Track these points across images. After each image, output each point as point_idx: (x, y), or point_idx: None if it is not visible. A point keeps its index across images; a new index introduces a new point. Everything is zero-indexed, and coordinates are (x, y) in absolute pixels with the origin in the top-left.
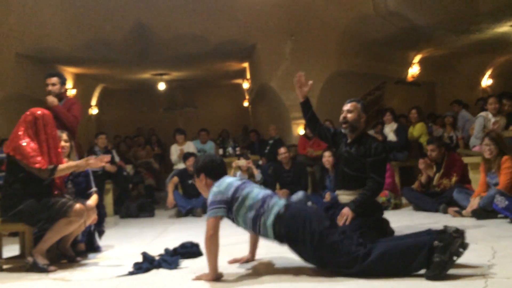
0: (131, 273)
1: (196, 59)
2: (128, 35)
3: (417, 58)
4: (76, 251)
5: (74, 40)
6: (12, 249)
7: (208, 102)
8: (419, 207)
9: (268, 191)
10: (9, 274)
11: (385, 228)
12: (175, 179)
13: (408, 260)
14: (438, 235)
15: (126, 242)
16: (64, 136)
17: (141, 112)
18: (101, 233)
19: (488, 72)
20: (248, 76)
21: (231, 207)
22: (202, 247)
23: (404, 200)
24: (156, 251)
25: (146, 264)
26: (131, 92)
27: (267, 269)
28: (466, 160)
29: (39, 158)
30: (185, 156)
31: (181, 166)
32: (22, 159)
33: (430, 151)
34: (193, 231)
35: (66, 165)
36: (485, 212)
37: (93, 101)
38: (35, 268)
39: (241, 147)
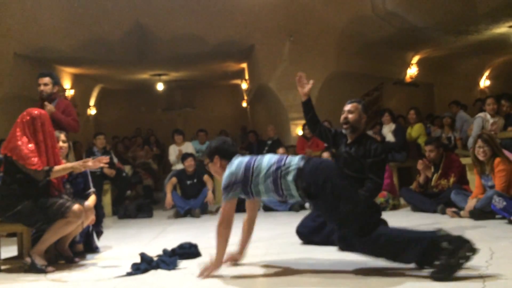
0: (129, 274)
1: (194, 60)
2: (127, 35)
3: (415, 59)
4: (74, 252)
5: (73, 40)
6: (10, 250)
7: (206, 102)
8: (417, 207)
9: (279, 155)
10: (7, 275)
11: None
12: (174, 179)
13: (403, 249)
14: (448, 236)
15: (124, 243)
16: (62, 136)
17: (139, 113)
18: (99, 233)
19: (486, 73)
20: (246, 76)
21: (246, 185)
22: (201, 248)
23: (402, 201)
24: (154, 252)
25: (144, 264)
26: (130, 93)
27: (266, 269)
28: (464, 161)
29: (35, 159)
30: (184, 157)
31: (179, 166)
32: (19, 160)
33: (428, 151)
34: (191, 232)
35: (62, 166)
36: (483, 213)
37: (92, 102)
38: (33, 268)
39: (239, 147)
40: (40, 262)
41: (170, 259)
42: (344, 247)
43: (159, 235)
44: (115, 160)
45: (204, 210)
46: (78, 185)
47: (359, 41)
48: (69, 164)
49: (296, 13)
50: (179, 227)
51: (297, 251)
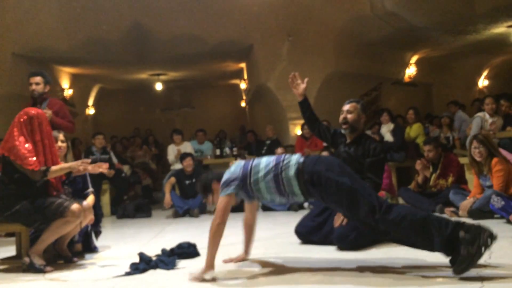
0: (128, 274)
1: (193, 60)
2: (125, 35)
3: (414, 58)
4: (72, 252)
5: (71, 40)
6: (8, 250)
7: (205, 102)
8: (416, 207)
9: (277, 155)
10: (6, 275)
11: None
12: (172, 179)
13: (427, 236)
14: (464, 225)
15: (123, 243)
16: (61, 136)
17: (138, 113)
18: (97, 233)
19: (485, 73)
20: (245, 76)
21: (246, 183)
22: (199, 248)
23: (401, 201)
24: (153, 252)
25: (143, 264)
26: (128, 93)
27: (264, 268)
28: (462, 160)
29: (32, 159)
30: (182, 157)
31: (178, 166)
32: (16, 160)
33: (427, 151)
34: (190, 231)
35: (60, 166)
36: (481, 213)
37: (90, 101)
38: (31, 268)
39: (238, 147)
40: (38, 262)
41: (168, 259)
42: (343, 246)
43: (157, 235)
44: (115, 160)
45: (202, 210)
46: (76, 185)
47: (357, 41)
48: (66, 165)
49: (295, 13)
50: (178, 227)
51: (295, 251)
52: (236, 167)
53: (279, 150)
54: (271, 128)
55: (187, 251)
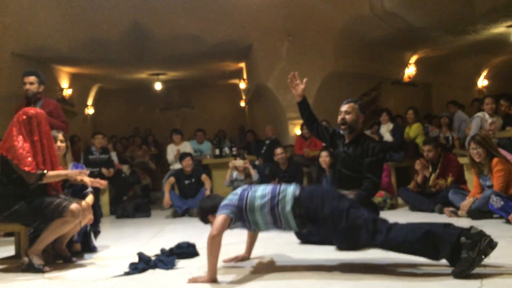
0: (127, 274)
1: (192, 59)
2: (125, 35)
3: (414, 58)
4: (71, 252)
5: (71, 39)
6: (7, 250)
7: (204, 102)
8: (415, 207)
9: (272, 184)
10: (5, 275)
11: None
12: (172, 179)
13: (430, 246)
14: (464, 231)
15: (122, 243)
16: (60, 136)
17: (137, 112)
18: (96, 233)
19: (484, 73)
20: (244, 76)
21: (242, 214)
22: (199, 248)
23: (400, 201)
24: (152, 251)
25: (142, 264)
26: (128, 92)
27: (263, 268)
28: (462, 160)
29: (30, 161)
30: (182, 156)
31: (177, 166)
32: (13, 159)
33: (427, 151)
34: (189, 231)
35: (57, 172)
36: (480, 213)
37: (89, 101)
38: (30, 268)
39: (237, 147)
40: (37, 261)
41: (168, 259)
42: (342, 246)
43: (157, 235)
44: (116, 160)
45: None
46: (75, 185)
47: (357, 40)
48: (63, 172)
49: (294, 12)
50: (177, 226)
51: (295, 251)
52: (233, 195)
53: (278, 150)
54: (270, 128)
55: (186, 251)
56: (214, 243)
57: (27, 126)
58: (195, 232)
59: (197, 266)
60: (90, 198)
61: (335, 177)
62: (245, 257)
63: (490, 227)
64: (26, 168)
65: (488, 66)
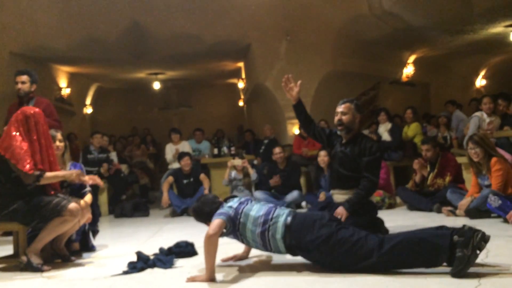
0: (125, 273)
1: (191, 59)
2: (123, 34)
3: (412, 58)
4: (70, 251)
5: (69, 39)
6: (5, 249)
7: (203, 101)
8: (413, 206)
9: (268, 205)
10: (3, 274)
11: (379, 227)
12: (170, 178)
13: (426, 253)
14: (456, 230)
15: (120, 242)
16: (59, 135)
17: (136, 112)
18: (95, 232)
19: (482, 73)
20: (243, 75)
21: (235, 225)
22: (197, 247)
23: (398, 200)
24: (150, 251)
25: (141, 263)
26: (126, 92)
27: (261, 266)
28: (460, 160)
29: (28, 161)
30: (180, 156)
31: (176, 165)
32: (11, 159)
33: (425, 151)
34: (188, 230)
35: (54, 174)
36: (478, 212)
37: (88, 100)
38: (29, 267)
39: (236, 146)
40: (36, 261)
41: (166, 258)
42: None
43: (155, 234)
44: (116, 160)
45: None
46: (74, 184)
47: (355, 40)
48: (61, 173)
49: (292, 12)
50: (176, 226)
51: None
52: (228, 208)
53: (277, 149)
54: (269, 127)
55: (185, 250)
56: (211, 243)
57: (25, 125)
58: (193, 231)
59: (196, 265)
60: (88, 197)
61: (333, 177)
62: (243, 256)
63: (488, 226)
64: (24, 168)
65: (486, 66)
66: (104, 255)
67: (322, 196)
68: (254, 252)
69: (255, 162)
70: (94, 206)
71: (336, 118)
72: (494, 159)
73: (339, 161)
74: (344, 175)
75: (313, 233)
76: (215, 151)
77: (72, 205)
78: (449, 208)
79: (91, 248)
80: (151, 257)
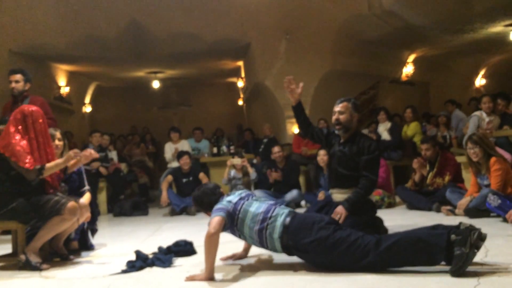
0: (124, 271)
1: (190, 58)
2: (123, 33)
3: (412, 57)
4: (69, 250)
5: (68, 37)
6: (4, 247)
7: (202, 100)
8: (413, 205)
9: (268, 202)
10: (2, 272)
11: (378, 226)
12: (169, 177)
13: (423, 252)
14: (452, 229)
15: (119, 241)
16: (58, 134)
17: (135, 111)
18: (94, 231)
19: (482, 72)
20: (242, 74)
21: (233, 221)
22: (196, 246)
23: (397, 199)
24: (149, 249)
25: (140, 262)
26: (125, 90)
27: (261, 265)
28: (459, 159)
29: (28, 158)
30: (179, 155)
31: (175, 164)
32: (11, 157)
33: (424, 150)
34: (187, 229)
35: (54, 163)
36: (478, 211)
37: (87, 99)
38: (27, 266)
39: (235, 145)
40: (34, 259)
41: (165, 257)
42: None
43: (154, 233)
44: (116, 159)
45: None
46: (73, 183)
47: (355, 39)
48: (60, 160)
49: (292, 11)
50: (175, 224)
51: None
52: (227, 203)
53: (276, 148)
54: (268, 126)
55: (184, 249)
56: (212, 242)
57: (22, 124)
58: (192, 230)
59: (195, 264)
60: (87, 196)
61: (332, 176)
62: (243, 255)
63: (487, 225)
64: (25, 165)
65: (486, 65)
66: (103, 254)
67: (321, 195)
68: (254, 251)
69: (255, 161)
70: (93, 205)
71: (334, 118)
72: (493, 159)
73: (337, 161)
74: (343, 174)
75: (311, 235)
76: (215, 150)
77: (71, 204)
78: (449, 207)
79: (90, 247)
80: (150, 256)
